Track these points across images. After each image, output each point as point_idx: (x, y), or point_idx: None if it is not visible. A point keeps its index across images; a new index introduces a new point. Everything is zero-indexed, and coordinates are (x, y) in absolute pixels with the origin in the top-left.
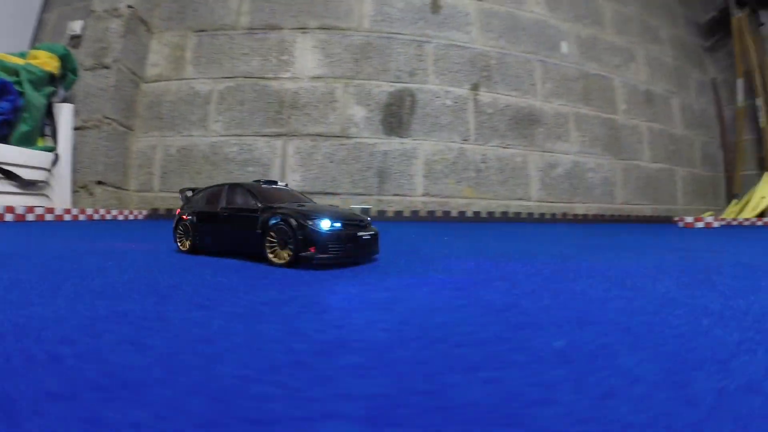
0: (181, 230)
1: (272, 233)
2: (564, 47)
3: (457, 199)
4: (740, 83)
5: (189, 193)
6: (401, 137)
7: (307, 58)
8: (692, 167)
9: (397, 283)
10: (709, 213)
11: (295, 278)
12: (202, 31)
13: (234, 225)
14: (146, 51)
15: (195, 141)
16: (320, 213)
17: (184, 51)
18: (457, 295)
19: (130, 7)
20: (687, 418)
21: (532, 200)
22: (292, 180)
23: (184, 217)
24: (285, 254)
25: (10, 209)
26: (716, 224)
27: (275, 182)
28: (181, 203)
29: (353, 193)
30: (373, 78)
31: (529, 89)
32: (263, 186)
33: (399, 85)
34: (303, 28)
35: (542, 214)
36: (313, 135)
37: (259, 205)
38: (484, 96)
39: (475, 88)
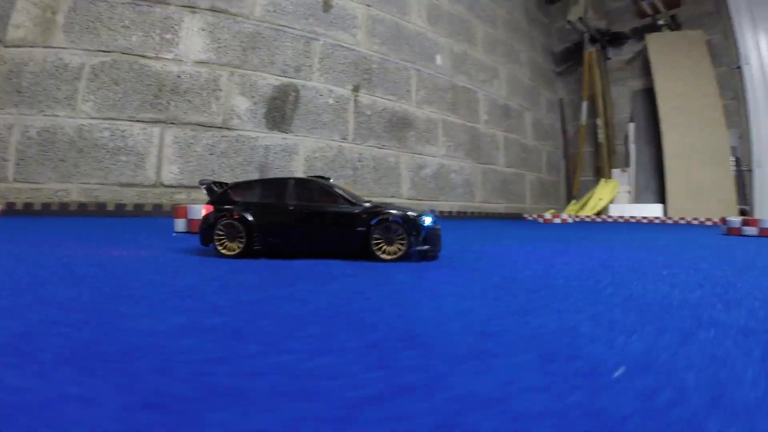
0: (222, 231)
1: (379, 231)
2: (438, 59)
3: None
4: (585, 105)
5: (215, 188)
6: (283, 132)
7: (193, 40)
8: (539, 172)
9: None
10: (551, 211)
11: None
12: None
13: (323, 224)
14: (10, 7)
15: (60, 122)
16: (419, 211)
17: (56, 14)
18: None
19: None
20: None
21: (404, 197)
22: (170, 173)
23: (235, 215)
24: (393, 249)
25: None
26: (570, 220)
27: (327, 178)
28: (208, 198)
29: None
30: (259, 69)
31: (404, 95)
32: (332, 182)
33: (285, 80)
34: (192, 7)
35: None
36: (193, 124)
37: (356, 204)
38: (364, 98)
39: (356, 89)
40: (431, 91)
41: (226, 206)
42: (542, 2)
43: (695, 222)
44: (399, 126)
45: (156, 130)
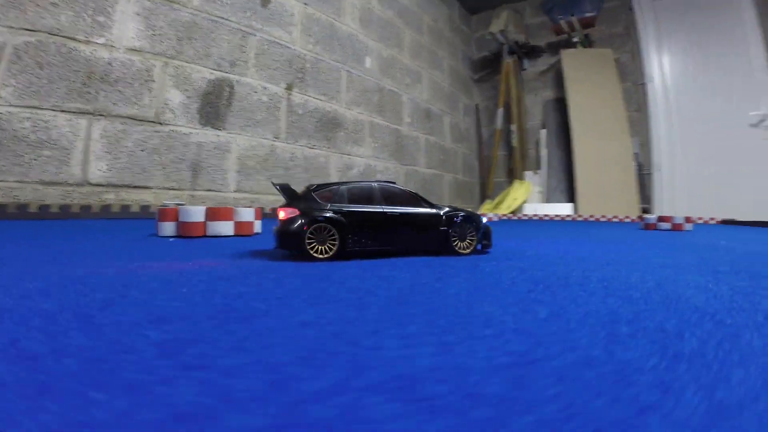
0: (313, 234)
1: (456, 229)
2: (368, 62)
3: (268, 196)
4: (500, 111)
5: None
6: (217, 129)
7: (127, 25)
8: (456, 173)
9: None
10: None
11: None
12: None
13: (413, 225)
14: None
15: None
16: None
17: None
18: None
19: None
20: None
21: None
22: (98, 169)
23: (328, 218)
24: (465, 245)
25: None
26: (495, 218)
27: (393, 182)
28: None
29: (165, 187)
30: (194, 61)
31: (335, 95)
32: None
33: (219, 74)
34: None
35: None
36: (124, 117)
37: (433, 207)
38: (297, 96)
39: (289, 87)
40: (360, 93)
41: (318, 209)
42: (465, 13)
43: (603, 219)
44: (329, 126)
45: (83, 122)
